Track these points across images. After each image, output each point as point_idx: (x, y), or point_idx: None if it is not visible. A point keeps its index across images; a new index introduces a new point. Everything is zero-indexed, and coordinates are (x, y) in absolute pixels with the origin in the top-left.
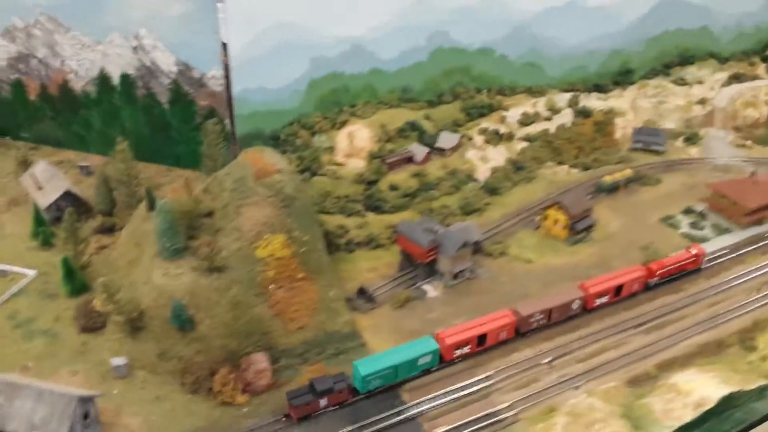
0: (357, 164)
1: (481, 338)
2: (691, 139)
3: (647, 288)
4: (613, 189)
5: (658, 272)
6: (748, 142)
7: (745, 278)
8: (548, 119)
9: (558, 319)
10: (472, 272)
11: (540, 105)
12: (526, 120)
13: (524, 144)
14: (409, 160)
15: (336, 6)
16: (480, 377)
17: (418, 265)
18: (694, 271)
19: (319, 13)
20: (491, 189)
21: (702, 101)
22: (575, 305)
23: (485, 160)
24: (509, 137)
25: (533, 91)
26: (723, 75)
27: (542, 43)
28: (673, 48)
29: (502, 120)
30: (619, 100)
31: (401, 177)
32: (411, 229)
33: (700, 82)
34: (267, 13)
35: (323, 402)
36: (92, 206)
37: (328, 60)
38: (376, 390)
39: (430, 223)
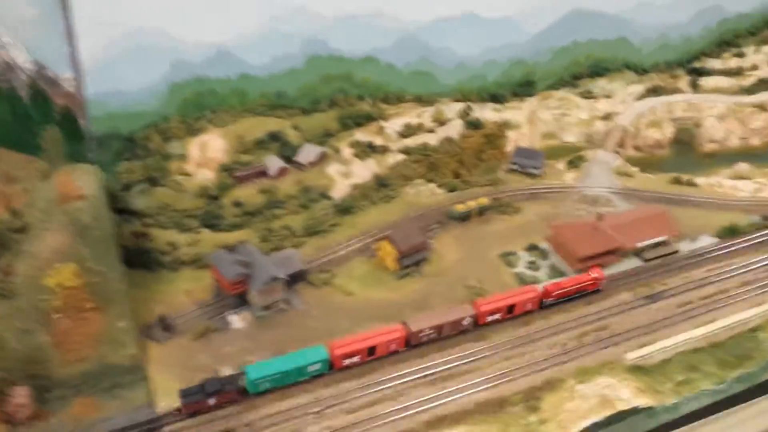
0: (206, 176)
1: (371, 349)
2: (574, 163)
3: (542, 307)
4: (464, 218)
5: (554, 293)
6: (635, 170)
7: (556, 330)
8: (432, 131)
9: (449, 333)
10: (287, 303)
11: (427, 116)
12: (407, 132)
13: (399, 157)
14: (262, 174)
15: (200, 12)
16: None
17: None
18: (594, 293)
19: (181, 18)
20: (345, 208)
21: (606, 116)
22: (466, 321)
23: (348, 175)
24: (383, 150)
25: (423, 100)
26: (640, 87)
27: (435, 52)
28: (583, 59)
29: (380, 131)
30: (515, 112)
31: (248, 192)
32: (222, 260)
33: (608, 96)
34: (121, 18)
35: (212, 401)
36: None
37: (192, 64)
38: (267, 391)
39: (247, 252)
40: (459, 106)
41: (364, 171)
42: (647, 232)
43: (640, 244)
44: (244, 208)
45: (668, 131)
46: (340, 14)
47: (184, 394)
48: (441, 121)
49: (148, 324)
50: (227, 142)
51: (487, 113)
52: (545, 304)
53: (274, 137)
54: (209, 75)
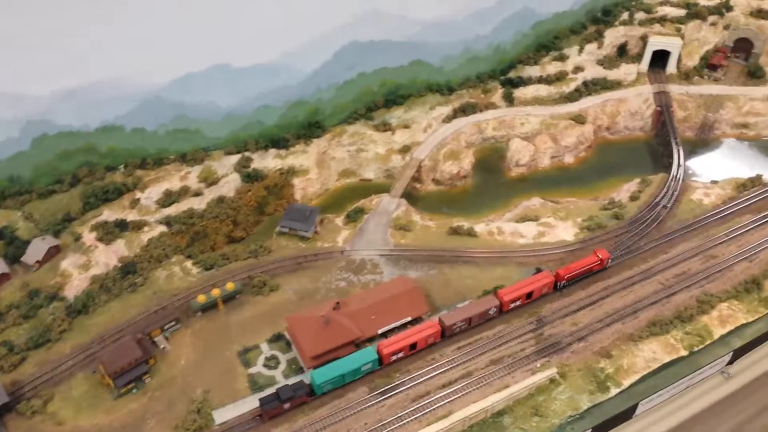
0: None
1: (413, 345)
2: (352, 217)
3: (557, 289)
4: (209, 307)
5: (566, 276)
6: (416, 219)
7: None
8: (198, 194)
9: (477, 323)
10: None
11: (193, 176)
12: (168, 199)
13: (158, 231)
14: None
15: None
16: None
17: None
18: (600, 272)
19: None
20: (79, 309)
21: (404, 149)
22: (492, 310)
23: (86, 267)
24: (138, 226)
25: (189, 159)
26: (447, 109)
27: (193, 108)
28: (376, 88)
29: (135, 204)
30: (301, 156)
31: None
32: None
33: (406, 126)
34: None
35: (287, 405)
36: None
37: None
38: (330, 391)
39: None
40: (234, 158)
41: (108, 257)
42: (392, 314)
43: (382, 330)
44: None
45: (467, 161)
46: (57, 91)
47: (263, 402)
48: (211, 180)
49: None
50: None
51: (268, 162)
52: (559, 286)
53: None
54: None
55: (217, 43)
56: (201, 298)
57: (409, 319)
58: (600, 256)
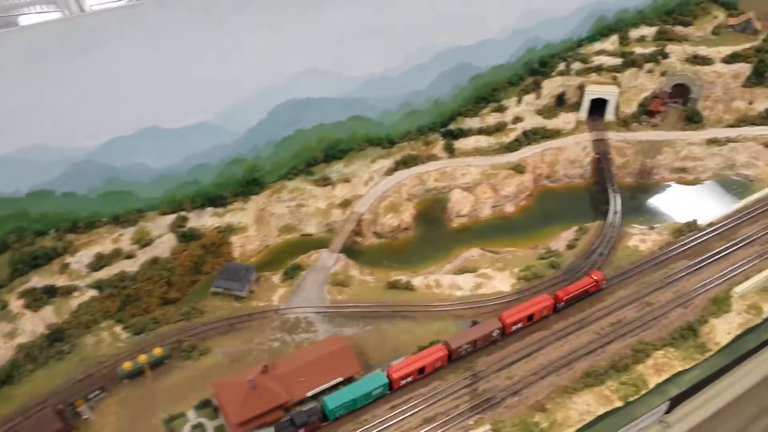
0: None
1: (421, 369)
2: (290, 274)
3: (556, 311)
4: (136, 374)
5: (564, 298)
6: (354, 273)
7: None
8: (131, 256)
9: (482, 345)
10: None
11: (126, 238)
12: (99, 263)
13: (89, 296)
14: None
15: None
16: None
17: None
18: (596, 292)
19: None
20: (3, 379)
21: (344, 203)
22: (495, 333)
23: (12, 335)
24: (68, 291)
25: (122, 221)
26: (388, 161)
27: (124, 171)
28: (315, 144)
29: (64, 268)
30: (239, 213)
31: None
32: None
33: (346, 180)
34: None
35: (302, 431)
36: None
37: None
38: (342, 416)
39: None
40: (169, 218)
41: (35, 324)
42: (323, 375)
43: (311, 392)
44: None
45: (407, 214)
46: None
47: (278, 428)
48: (145, 242)
49: None
50: None
51: (206, 220)
52: (558, 308)
53: None
54: None
55: (144, 106)
56: (127, 365)
57: (340, 379)
58: (595, 278)
